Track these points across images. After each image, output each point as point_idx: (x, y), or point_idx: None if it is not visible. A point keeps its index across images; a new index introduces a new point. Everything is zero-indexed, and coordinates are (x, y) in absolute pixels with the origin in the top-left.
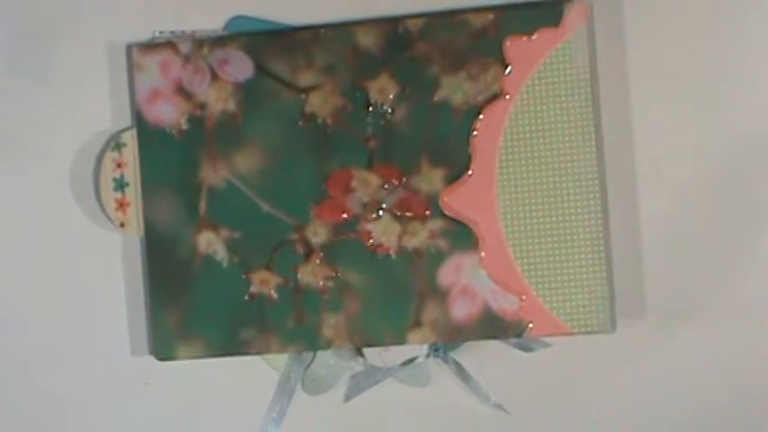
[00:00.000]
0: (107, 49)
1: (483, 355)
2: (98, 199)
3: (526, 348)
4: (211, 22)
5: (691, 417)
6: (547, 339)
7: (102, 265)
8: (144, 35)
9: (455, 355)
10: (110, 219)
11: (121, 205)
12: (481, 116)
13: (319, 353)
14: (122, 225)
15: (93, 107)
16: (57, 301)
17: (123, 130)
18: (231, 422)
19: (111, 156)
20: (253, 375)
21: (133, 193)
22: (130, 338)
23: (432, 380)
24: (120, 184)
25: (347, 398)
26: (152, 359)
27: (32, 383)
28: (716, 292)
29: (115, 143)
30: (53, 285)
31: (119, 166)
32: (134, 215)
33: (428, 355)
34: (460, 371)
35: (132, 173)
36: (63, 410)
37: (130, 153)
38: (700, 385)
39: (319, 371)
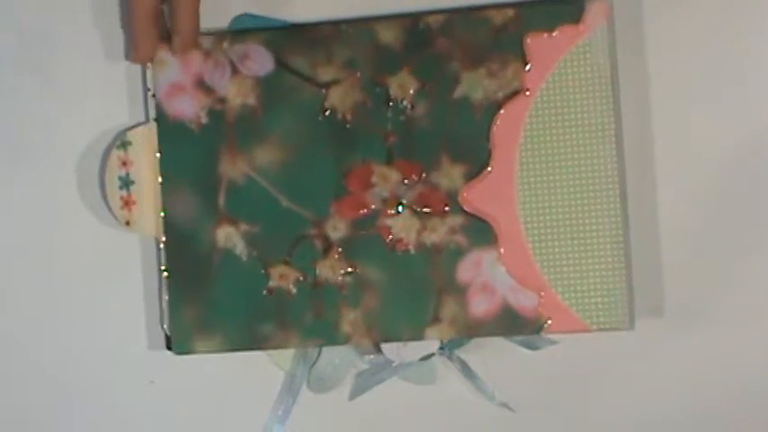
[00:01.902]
0: (120, 48)
1: (488, 354)
2: (103, 197)
3: (531, 346)
4: (216, 20)
5: (698, 416)
6: (552, 337)
7: (117, 261)
8: None
9: (460, 353)
10: (115, 217)
11: (127, 203)
12: (501, 112)
13: (324, 351)
14: (127, 223)
15: (99, 105)
16: (68, 299)
17: (129, 129)
18: (237, 419)
19: (116, 154)
20: (258, 373)
21: (139, 191)
22: (148, 333)
23: (437, 378)
24: (126, 182)
25: (352, 396)
26: (158, 356)
27: (43, 377)
28: (733, 290)
29: (121, 141)
30: (67, 282)
31: (124, 164)
32: (140, 213)
33: (432, 354)
34: (465, 369)
35: (138, 171)
36: (68, 407)
37: (136, 151)
38: (712, 385)
39: (325, 369)
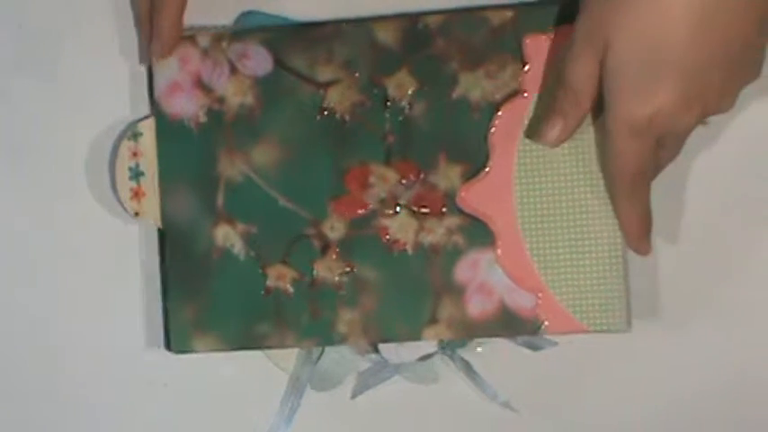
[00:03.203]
0: (126, 41)
1: (491, 354)
2: (113, 188)
3: (534, 347)
4: (221, 17)
5: (703, 417)
6: (553, 338)
7: (118, 256)
8: None
9: (462, 352)
10: (124, 208)
11: (136, 194)
12: (499, 113)
13: (327, 349)
14: (137, 214)
15: (110, 96)
16: (68, 292)
17: (140, 120)
18: (242, 419)
19: (127, 145)
20: (264, 373)
21: (148, 182)
22: (146, 331)
23: (439, 377)
24: (136, 174)
25: (354, 394)
26: (161, 356)
27: (42, 378)
28: (731, 291)
29: (132, 132)
30: (68, 276)
31: (134, 155)
32: (149, 204)
33: (435, 353)
34: (468, 369)
35: (148, 162)
36: (72, 404)
37: (147, 143)
38: (712, 385)
39: (327, 367)
